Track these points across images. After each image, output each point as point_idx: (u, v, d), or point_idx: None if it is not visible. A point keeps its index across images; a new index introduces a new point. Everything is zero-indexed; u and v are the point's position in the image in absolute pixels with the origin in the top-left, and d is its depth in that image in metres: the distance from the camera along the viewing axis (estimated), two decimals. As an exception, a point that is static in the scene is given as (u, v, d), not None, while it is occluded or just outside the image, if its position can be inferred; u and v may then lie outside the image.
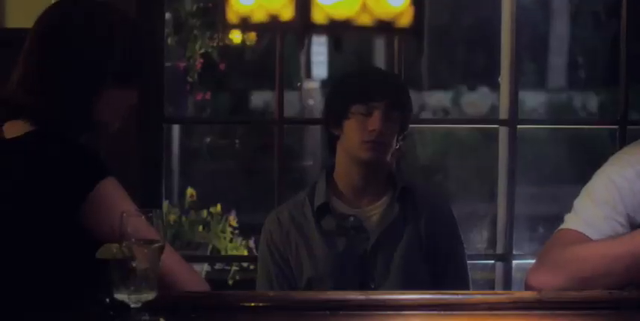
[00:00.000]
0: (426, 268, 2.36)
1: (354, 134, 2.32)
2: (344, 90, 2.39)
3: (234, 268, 5.85)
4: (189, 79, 6.57)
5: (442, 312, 1.83)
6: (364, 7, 1.31)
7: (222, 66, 6.69)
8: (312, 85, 7.84)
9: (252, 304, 1.84)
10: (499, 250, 3.07)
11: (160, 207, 2.81)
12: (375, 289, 2.31)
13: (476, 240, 6.47)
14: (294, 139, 6.84)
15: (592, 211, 1.96)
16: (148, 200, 2.70)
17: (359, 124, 2.31)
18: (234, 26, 1.38)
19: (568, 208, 2.03)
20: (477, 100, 8.45)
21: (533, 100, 8.11)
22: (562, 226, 2.00)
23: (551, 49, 8.52)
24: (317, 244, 2.36)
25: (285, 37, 2.77)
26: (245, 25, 1.36)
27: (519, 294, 1.90)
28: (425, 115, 8.20)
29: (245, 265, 5.81)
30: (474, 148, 7.51)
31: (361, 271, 2.34)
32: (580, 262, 1.88)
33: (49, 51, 1.86)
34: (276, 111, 2.89)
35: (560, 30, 8.54)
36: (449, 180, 7.76)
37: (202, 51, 6.37)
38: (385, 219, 2.36)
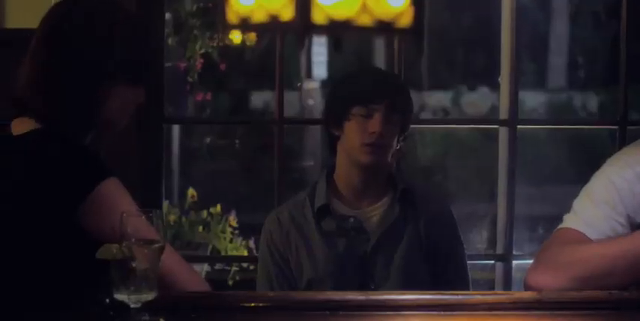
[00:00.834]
0: (426, 269, 2.36)
1: (354, 136, 2.32)
2: (344, 91, 2.38)
3: (234, 268, 5.85)
4: (190, 80, 6.57)
5: (442, 312, 1.83)
6: (364, 8, 1.31)
7: (222, 66, 6.69)
8: (312, 85, 7.84)
9: (252, 305, 1.84)
10: (499, 250, 3.07)
11: (160, 207, 2.81)
12: (375, 289, 2.31)
13: (476, 240, 6.47)
14: (294, 139, 6.84)
15: (591, 212, 1.96)
16: (148, 200, 2.70)
17: (359, 126, 2.30)
18: (234, 26, 1.38)
19: (568, 208, 2.03)
20: (477, 100, 8.45)
21: (533, 100, 8.11)
22: (561, 226, 2.00)
23: (551, 49, 8.52)
24: (317, 245, 2.36)
25: (285, 37, 2.77)
26: (245, 25, 1.36)
27: (519, 294, 1.90)
28: (425, 115, 8.20)
29: (245, 265, 5.81)
30: (474, 148, 7.51)
31: (361, 272, 2.34)
32: (580, 262, 1.88)
33: (52, 51, 1.86)
34: (276, 111, 2.89)
35: (560, 30, 8.54)
36: (449, 180, 7.76)
37: (202, 51, 6.38)
38: (385, 220, 2.36)
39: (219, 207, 6.23)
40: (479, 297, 1.86)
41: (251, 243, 5.91)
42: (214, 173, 7.78)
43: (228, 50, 6.76)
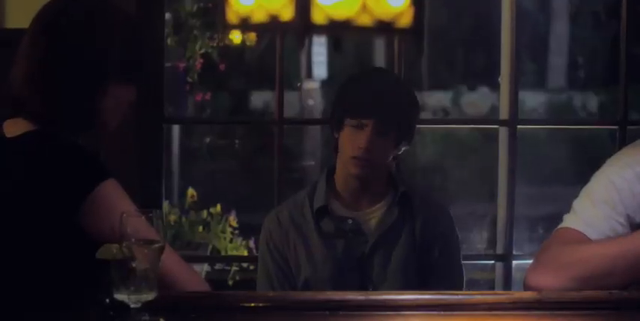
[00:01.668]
0: (423, 272, 2.35)
1: (345, 147, 2.31)
2: (342, 99, 2.37)
3: (234, 268, 5.85)
4: (189, 80, 6.57)
5: (442, 312, 1.83)
6: (364, 8, 1.31)
7: (222, 66, 6.70)
8: (312, 85, 7.84)
9: (252, 305, 1.84)
10: (499, 250, 3.07)
11: (160, 207, 2.81)
12: (371, 291, 2.30)
13: (476, 240, 6.47)
14: (294, 139, 6.84)
15: (591, 211, 1.96)
16: (148, 200, 2.70)
17: (349, 137, 2.29)
18: (234, 26, 1.38)
19: (568, 208, 2.03)
20: (477, 100, 8.45)
21: (533, 100, 8.11)
22: (561, 226, 2.00)
23: (551, 49, 8.52)
24: (315, 245, 2.36)
25: (285, 38, 2.77)
26: (245, 25, 1.36)
27: (519, 294, 1.90)
28: (425, 115, 8.20)
29: (245, 265, 5.81)
30: (474, 148, 7.52)
31: (359, 274, 2.33)
32: (580, 262, 1.88)
33: (49, 48, 1.85)
34: (276, 111, 2.89)
35: (560, 30, 8.55)
36: (449, 180, 7.76)
37: (202, 51, 6.38)
38: (384, 222, 2.36)
39: (219, 207, 6.23)
40: (479, 297, 1.86)
41: (251, 243, 5.91)
42: (214, 173, 7.78)
43: (228, 50, 6.77)
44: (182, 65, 6.45)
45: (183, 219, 6.19)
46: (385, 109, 2.30)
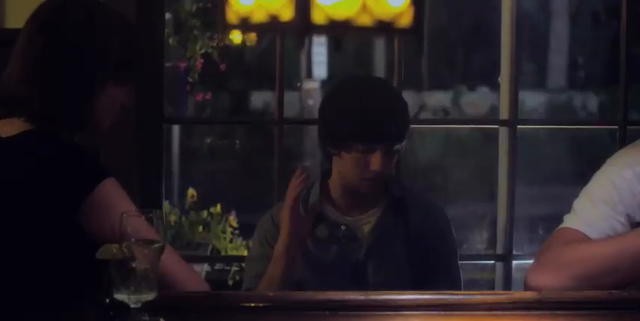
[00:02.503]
0: (419, 276, 2.34)
1: (352, 169, 2.25)
2: (344, 125, 2.24)
3: (234, 268, 5.84)
4: (190, 80, 6.57)
5: (442, 312, 1.83)
6: (364, 8, 1.31)
7: (222, 66, 6.70)
8: (312, 85, 7.85)
9: (252, 304, 1.84)
10: (499, 250, 3.07)
11: (160, 207, 2.81)
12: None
13: (476, 240, 6.47)
14: (294, 140, 6.85)
15: (591, 211, 1.96)
16: (148, 200, 2.70)
17: (358, 162, 2.23)
18: (234, 26, 1.38)
19: (568, 208, 2.03)
20: (476, 100, 8.46)
21: (533, 100, 8.11)
22: (561, 226, 2.00)
23: (551, 49, 8.52)
24: (309, 250, 2.35)
25: (285, 38, 2.77)
26: (245, 25, 1.36)
27: (519, 294, 1.90)
28: (425, 115, 8.21)
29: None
30: (474, 148, 7.52)
31: (353, 280, 2.32)
32: (581, 261, 1.88)
33: (47, 47, 1.85)
34: (276, 111, 2.89)
35: (560, 30, 8.55)
36: (449, 180, 7.76)
37: (202, 51, 6.38)
38: (378, 228, 2.34)
39: (219, 207, 6.23)
40: (479, 297, 1.86)
41: (251, 243, 5.91)
42: (214, 173, 7.78)
43: (229, 50, 6.77)
44: (183, 65, 6.45)
45: (183, 219, 6.19)
46: (395, 130, 2.25)
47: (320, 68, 7.86)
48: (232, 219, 6.23)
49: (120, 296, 1.62)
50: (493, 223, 4.30)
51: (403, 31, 1.35)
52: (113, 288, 1.62)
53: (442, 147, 8.03)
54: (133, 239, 1.64)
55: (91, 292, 1.76)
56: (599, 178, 2.01)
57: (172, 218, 6.03)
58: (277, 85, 2.87)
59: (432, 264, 2.35)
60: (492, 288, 3.13)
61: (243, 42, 6.55)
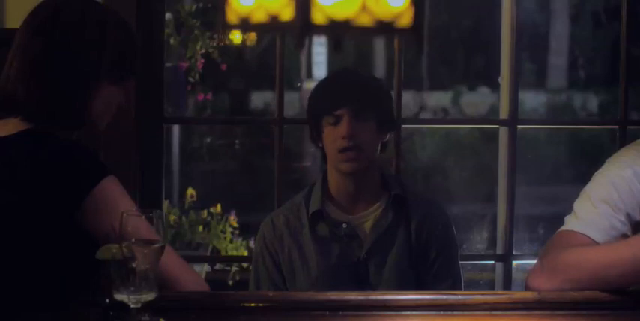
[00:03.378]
0: (420, 274, 2.35)
1: (329, 146, 2.32)
2: (313, 104, 2.39)
3: (234, 268, 5.85)
4: (190, 80, 6.57)
5: (442, 312, 1.83)
6: (364, 8, 1.31)
7: (223, 66, 6.70)
8: (312, 85, 7.84)
9: (252, 304, 1.84)
10: (499, 250, 3.07)
11: (160, 207, 2.81)
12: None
13: (476, 240, 6.47)
14: (294, 139, 6.85)
15: (591, 211, 1.96)
16: (148, 200, 2.70)
17: (331, 134, 2.31)
18: (235, 26, 1.38)
19: (568, 208, 2.03)
20: (476, 100, 8.45)
21: (533, 100, 8.11)
22: (562, 228, 2.00)
23: (551, 49, 8.52)
24: (310, 249, 2.35)
25: (285, 38, 2.77)
26: (245, 25, 1.36)
27: (519, 294, 1.90)
28: (425, 115, 8.21)
29: (245, 265, 5.80)
30: (474, 148, 7.52)
31: (355, 278, 2.33)
32: (576, 266, 1.88)
33: (43, 48, 1.85)
34: (276, 111, 2.89)
35: (560, 30, 8.55)
36: (449, 180, 7.76)
37: (203, 51, 6.38)
38: (378, 226, 2.35)
39: (219, 207, 6.23)
40: (479, 297, 1.86)
41: (251, 243, 5.91)
42: (214, 173, 7.78)
43: (229, 50, 6.77)
44: (183, 65, 6.45)
45: (183, 219, 6.19)
46: (355, 96, 2.32)
47: (320, 68, 7.85)
48: (232, 219, 6.23)
49: (120, 296, 1.62)
50: (493, 223, 4.29)
51: (403, 31, 1.35)
52: (113, 288, 1.62)
53: (442, 147, 8.03)
54: (133, 239, 1.64)
55: (90, 292, 1.76)
56: (599, 178, 2.01)
57: (172, 218, 6.03)
58: (277, 85, 2.87)
59: (432, 259, 2.36)
60: (492, 288, 3.13)
61: (244, 42, 6.55)
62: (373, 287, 2.32)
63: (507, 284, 3.03)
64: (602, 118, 8.15)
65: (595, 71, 8.40)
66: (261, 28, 1.35)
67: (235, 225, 6.21)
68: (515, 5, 2.94)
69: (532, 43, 7.81)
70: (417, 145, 7.67)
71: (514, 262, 3.04)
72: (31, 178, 1.78)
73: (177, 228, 6.12)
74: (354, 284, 2.32)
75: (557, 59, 8.62)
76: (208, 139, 7.76)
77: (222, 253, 6.08)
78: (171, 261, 1.82)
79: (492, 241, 5.52)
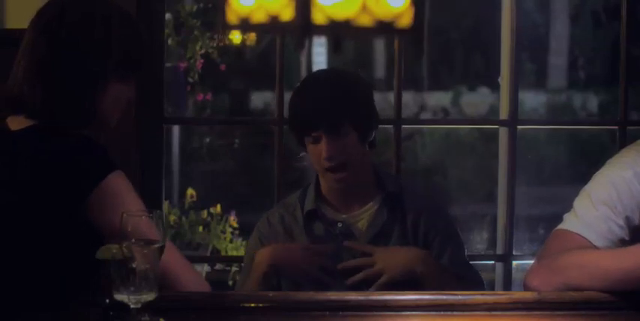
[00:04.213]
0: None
1: (315, 162, 2.32)
2: (292, 122, 2.37)
3: (234, 268, 5.85)
4: (191, 80, 6.57)
5: (442, 312, 1.83)
6: (364, 8, 1.31)
7: (222, 66, 6.70)
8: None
9: (252, 305, 1.84)
10: (499, 250, 3.07)
11: (160, 207, 2.81)
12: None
13: (476, 240, 6.47)
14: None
15: (591, 212, 1.96)
16: (148, 200, 2.69)
17: (314, 152, 2.29)
18: (234, 27, 1.38)
19: (568, 208, 2.03)
20: (476, 100, 8.45)
21: (533, 100, 8.11)
22: (561, 226, 2.00)
23: (551, 49, 8.52)
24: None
25: (286, 38, 2.77)
26: (245, 25, 1.36)
27: (519, 294, 1.90)
28: (425, 115, 8.21)
29: (245, 265, 5.81)
30: (474, 148, 7.52)
31: (351, 276, 2.32)
32: (577, 269, 1.88)
33: (51, 48, 1.86)
34: (276, 111, 2.90)
35: (560, 30, 8.54)
36: (449, 180, 7.76)
37: (203, 51, 6.38)
38: (373, 224, 2.34)
39: (219, 207, 6.24)
40: (479, 297, 1.86)
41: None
42: (214, 173, 7.78)
43: (229, 50, 6.77)
44: (183, 65, 6.45)
45: (183, 219, 6.19)
46: (329, 113, 2.27)
47: (320, 68, 7.85)
48: (232, 219, 6.23)
49: (120, 296, 1.62)
50: (493, 223, 4.30)
51: (403, 32, 1.35)
52: (113, 288, 1.62)
53: (442, 147, 8.03)
54: (133, 239, 1.65)
55: (90, 292, 1.76)
56: (599, 178, 2.01)
57: (172, 218, 6.04)
58: (277, 85, 2.87)
59: (439, 252, 2.33)
60: (492, 288, 3.13)
61: (243, 42, 6.55)
62: (369, 286, 2.31)
63: (507, 284, 3.03)
64: (602, 118, 8.15)
65: (595, 71, 8.40)
66: (261, 29, 1.35)
67: (235, 225, 6.22)
68: (515, 5, 2.94)
69: (532, 43, 7.81)
70: (417, 145, 7.67)
71: (514, 263, 3.04)
72: (38, 173, 1.79)
73: (177, 228, 6.13)
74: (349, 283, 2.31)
75: (557, 59, 8.62)
76: (208, 139, 7.76)
77: (222, 253, 6.08)
78: (173, 260, 1.82)
79: (492, 242, 5.52)
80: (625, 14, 2.95)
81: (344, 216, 2.37)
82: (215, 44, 6.38)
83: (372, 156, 2.42)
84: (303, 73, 7.77)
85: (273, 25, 1.32)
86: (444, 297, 1.86)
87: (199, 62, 6.43)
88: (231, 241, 6.20)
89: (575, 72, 8.78)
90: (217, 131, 7.70)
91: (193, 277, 1.89)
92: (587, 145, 7.37)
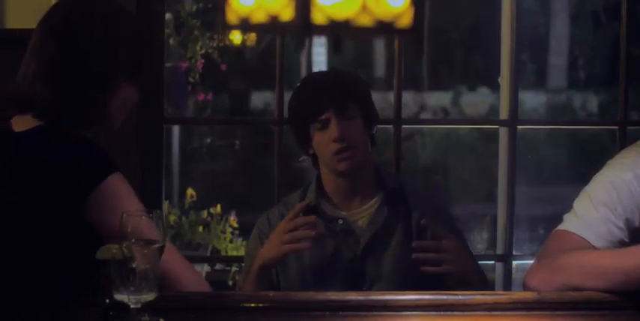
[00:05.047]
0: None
1: (322, 150, 2.32)
2: (295, 114, 2.38)
3: (234, 268, 5.85)
4: (190, 80, 6.57)
5: (442, 312, 1.83)
6: (364, 8, 1.31)
7: (222, 66, 6.70)
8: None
9: (252, 305, 1.84)
10: (499, 250, 3.07)
11: (160, 207, 2.81)
12: (368, 291, 2.29)
13: (476, 240, 6.47)
14: (293, 139, 6.84)
15: (591, 214, 1.96)
16: (148, 200, 2.70)
17: (321, 139, 2.31)
18: (235, 27, 1.38)
19: (568, 208, 2.03)
20: (476, 100, 8.45)
21: (533, 100, 8.11)
22: (561, 227, 2.00)
23: (551, 49, 8.52)
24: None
25: (286, 38, 2.77)
26: (245, 25, 1.36)
27: (519, 294, 1.90)
28: (425, 115, 8.21)
29: (245, 265, 5.80)
30: (474, 148, 7.52)
31: (352, 274, 2.32)
32: (576, 269, 1.88)
33: (60, 49, 1.86)
34: (276, 111, 2.90)
35: (560, 30, 8.54)
36: (449, 180, 7.76)
37: (203, 51, 6.38)
38: (375, 221, 2.34)
39: (219, 207, 6.24)
40: (479, 297, 1.86)
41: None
42: (214, 173, 7.78)
43: (229, 50, 6.77)
44: (183, 65, 6.45)
45: (183, 219, 6.19)
46: (337, 96, 2.31)
47: (320, 68, 7.85)
48: (232, 219, 6.23)
49: (120, 296, 1.62)
50: (493, 223, 4.30)
51: (403, 31, 1.35)
52: (113, 288, 1.62)
53: (442, 147, 8.03)
54: (133, 239, 1.65)
55: (90, 292, 1.76)
56: (600, 179, 2.01)
57: (172, 218, 6.04)
58: (277, 85, 2.87)
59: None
60: (492, 288, 3.13)
61: (243, 42, 6.55)
62: (372, 282, 2.31)
63: (507, 284, 3.03)
64: (602, 118, 8.15)
65: (595, 71, 8.40)
66: (261, 29, 1.35)
67: (235, 225, 6.21)
68: (515, 5, 2.94)
69: (532, 43, 7.81)
70: (417, 145, 7.67)
71: (514, 263, 3.04)
72: (38, 173, 1.79)
73: (178, 228, 6.13)
74: (350, 281, 2.31)
75: (557, 59, 8.62)
76: (208, 140, 7.76)
77: (222, 253, 6.08)
78: (173, 260, 1.82)
79: (492, 242, 5.52)
80: (625, 14, 2.95)
81: (344, 213, 2.37)
82: (215, 44, 6.38)
83: (373, 155, 2.42)
84: (303, 73, 7.77)
85: (273, 25, 1.32)
86: (444, 297, 1.86)
87: (200, 62, 6.43)
88: (231, 241, 6.20)
89: (575, 72, 8.78)
90: (217, 131, 7.70)
91: (193, 277, 1.89)
92: (587, 145, 7.38)
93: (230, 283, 5.69)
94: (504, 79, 3.00)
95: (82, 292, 1.77)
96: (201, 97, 7.01)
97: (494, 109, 6.33)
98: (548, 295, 1.86)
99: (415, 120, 6.40)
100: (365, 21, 1.31)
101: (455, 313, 1.83)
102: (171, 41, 6.18)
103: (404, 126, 2.94)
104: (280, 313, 1.83)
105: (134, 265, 1.61)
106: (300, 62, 7.70)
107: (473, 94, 8.59)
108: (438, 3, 6.15)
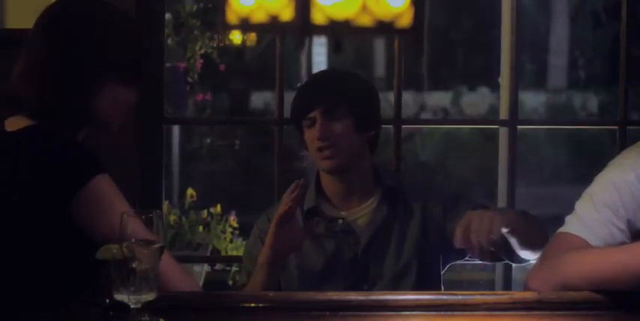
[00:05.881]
0: (427, 262, 2.32)
1: (309, 147, 2.36)
2: (291, 110, 2.41)
3: (234, 268, 5.85)
4: (190, 80, 6.58)
5: (442, 312, 1.83)
6: (364, 8, 1.31)
7: (222, 66, 6.70)
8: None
9: (252, 305, 1.84)
10: (499, 250, 3.07)
11: (160, 207, 2.81)
12: (369, 290, 2.29)
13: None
14: (294, 139, 6.84)
15: (592, 215, 1.96)
16: (148, 200, 2.70)
17: (308, 136, 2.34)
18: (234, 27, 1.38)
19: (568, 208, 2.03)
20: (476, 100, 8.46)
21: (533, 100, 8.12)
22: (562, 229, 2.00)
23: (551, 49, 8.52)
24: (305, 246, 2.35)
25: (286, 38, 2.77)
26: (245, 25, 1.36)
27: (519, 294, 1.90)
28: (425, 115, 8.22)
29: (245, 265, 5.80)
30: (474, 148, 7.52)
31: (353, 274, 2.32)
32: (575, 270, 1.88)
33: (49, 49, 1.87)
34: (276, 111, 2.90)
35: (560, 30, 8.55)
36: (449, 180, 7.77)
37: (202, 51, 6.39)
38: (374, 220, 2.34)
39: (219, 207, 6.24)
40: (479, 297, 1.86)
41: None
42: (214, 173, 7.79)
43: (228, 50, 6.77)
44: (182, 65, 6.45)
45: (183, 219, 6.20)
46: (326, 96, 2.33)
47: (320, 68, 7.85)
48: (232, 219, 6.23)
49: (120, 296, 1.62)
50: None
51: (403, 31, 1.35)
52: (113, 288, 1.62)
53: (442, 147, 8.03)
54: (133, 239, 1.64)
55: (90, 293, 1.76)
56: (602, 180, 2.00)
57: (172, 218, 6.04)
58: (277, 85, 2.87)
59: (443, 245, 2.30)
60: (492, 288, 3.13)
61: (243, 42, 6.56)
62: (372, 281, 2.31)
63: (507, 284, 3.03)
64: (602, 118, 8.15)
65: (595, 71, 8.41)
66: (261, 29, 1.35)
67: (235, 225, 6.22)
68: (515, 5, 2.94)
69: (532, 43, 7.82)
70: (417, 145, 7.68)
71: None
72: (26, 175, 1.79)
73: (178, 228, 6.13)
74: (351, 280, 2.31)
75: (557, 59, 8.63)
76: (208, 140, 7.77)
77: (222, 253, 6.08)
78: (165, 261, 1.82)
79: (492, 241, 5.51)
80: (625, 14, 2.95)
81: (344, 213, 2.37)
82: (215, 44, 6.39)
83: (368, 155, 2.42)
84: (303, 73, 7.78)
85: (273, 25, 1.32)
86: (444, 297, 1.86)
87: (199, 62, 6.43)
88: (231, 241, 6.20)
89: (575, 72, 8.79)
90: (217, 131, 7.70)
91: (184, 278, 1.89)
92: (588, 145, 7.38)
93: (230, 283, 5.69)
94: (504, 79, 3.00)
95: (82, 292, 1.77)
96: (199, 97, 7.02)
97: (494, 109, 6.33)
98: (548, 295, 1.86)
99: (415, 120, 6.40)
100: (365, 21, 1.31)
101: (455, 313, 1.83)
102: (170, 41, 6.19)
103: (404, 126, 2.94)
104: (280, 313, 1.83)
105: (134, 265, 1.61)
106: (300, 62, 7.71)
107: (473, 94, 8.60)
108: (438, 3, 6.15)
